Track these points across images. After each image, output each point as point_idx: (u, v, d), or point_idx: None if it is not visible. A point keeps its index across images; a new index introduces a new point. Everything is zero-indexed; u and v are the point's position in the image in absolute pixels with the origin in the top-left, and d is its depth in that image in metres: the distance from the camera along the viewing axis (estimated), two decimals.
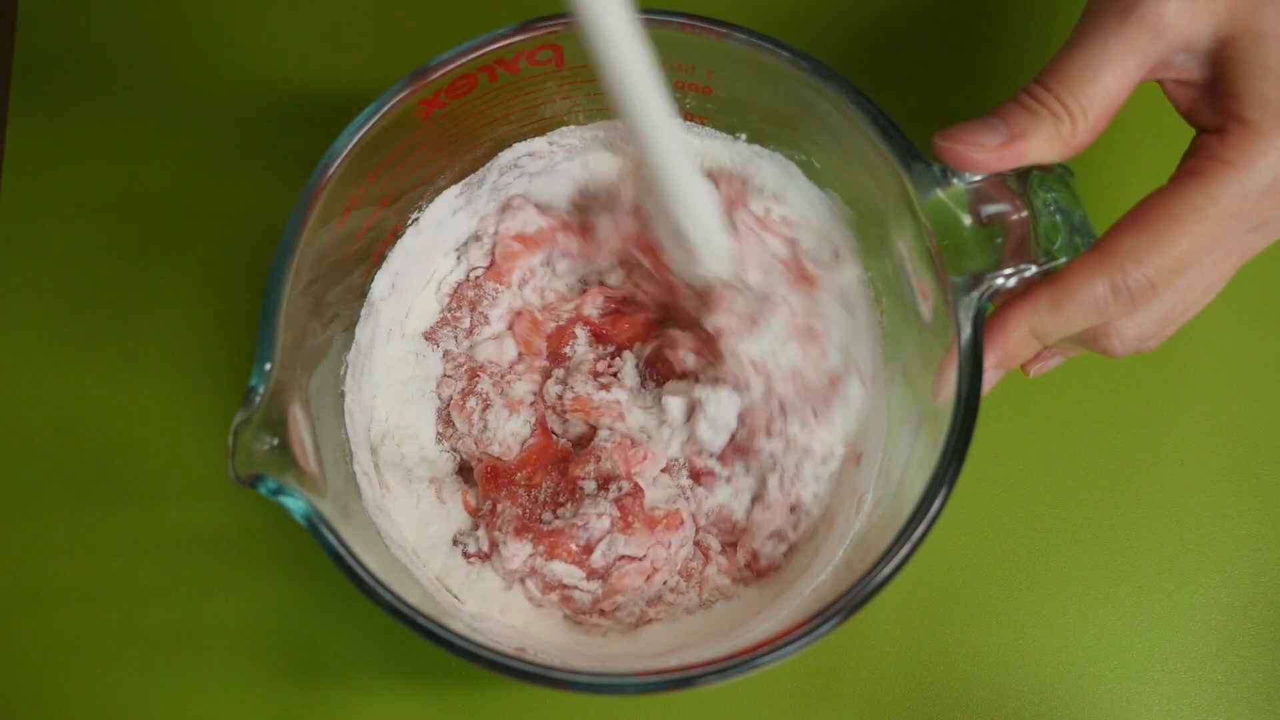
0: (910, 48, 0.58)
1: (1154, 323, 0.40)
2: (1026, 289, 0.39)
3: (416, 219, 0.47)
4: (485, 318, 0.50)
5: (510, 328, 0.50)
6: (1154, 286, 0.38)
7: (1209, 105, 0.40)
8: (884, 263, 0.44)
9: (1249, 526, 0.52)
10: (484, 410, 0.48)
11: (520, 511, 0.47)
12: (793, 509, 0.47)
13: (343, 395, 0.44)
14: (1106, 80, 0.39)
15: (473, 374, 0.49)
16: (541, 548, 0.45)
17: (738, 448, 0.47)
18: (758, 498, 0.47)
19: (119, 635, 0.50)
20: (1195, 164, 0.38)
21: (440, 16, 0.57)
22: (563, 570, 0.45)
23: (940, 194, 0.39)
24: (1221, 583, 0.51)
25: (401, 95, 0.40)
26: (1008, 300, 0.40)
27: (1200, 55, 0.39)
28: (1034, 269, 0.39)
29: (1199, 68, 0.40)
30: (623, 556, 0.45)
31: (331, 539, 0.36)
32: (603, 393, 0.48)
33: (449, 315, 0.50)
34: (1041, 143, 0.39)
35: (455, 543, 0.47)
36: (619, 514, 0.45)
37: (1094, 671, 0.50)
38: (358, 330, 0.45)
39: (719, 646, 0.42)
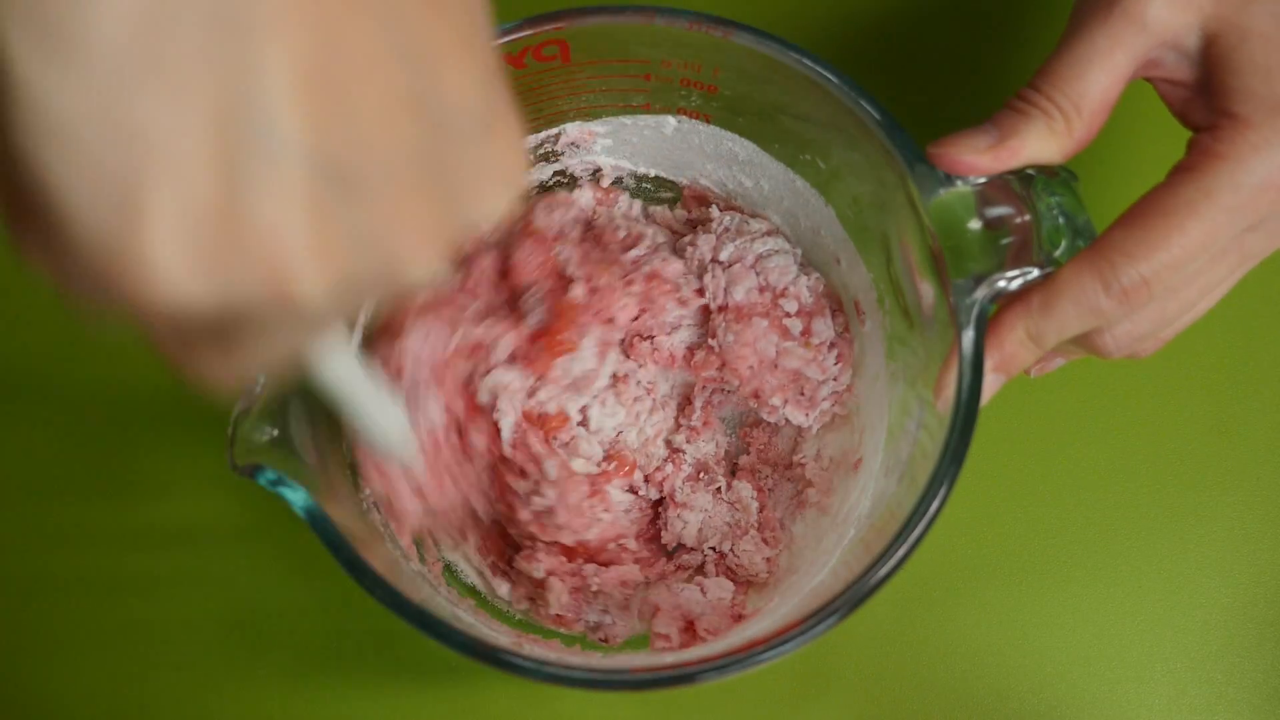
0: (916, 50, 0.57)
1: (1149, 321, 0.40)
2: (1023, 292, 0.39)
3: None
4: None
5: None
6: (1148, 284, 0.38)
7: (1201, 104, 0.40)
8: (887, 263, 0.44)
9: (1249, 526, 0.52)
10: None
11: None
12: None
13: None
14: (1096, 75, 0.39)
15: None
16: None
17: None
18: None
19: (117, 629, 0.50)
20: (1188, 160, 0.38)
21: None
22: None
23: (944, 195, 0.39)
24: (1221, 583, 0.51)
25: None
26: (1005, 304, 0.40)
27: (1190, 54, 0.39)
28: (1036, 272, 0.38)
29: (1189, 67, 0.40)
30: None
31: (331, 531, 0.36)
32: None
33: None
34: (1035, 141, 0.39)
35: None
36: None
37: (1094, 671, 0.50)
38: (359, 321, 0.45)
39: (717, 644, 0.42)
